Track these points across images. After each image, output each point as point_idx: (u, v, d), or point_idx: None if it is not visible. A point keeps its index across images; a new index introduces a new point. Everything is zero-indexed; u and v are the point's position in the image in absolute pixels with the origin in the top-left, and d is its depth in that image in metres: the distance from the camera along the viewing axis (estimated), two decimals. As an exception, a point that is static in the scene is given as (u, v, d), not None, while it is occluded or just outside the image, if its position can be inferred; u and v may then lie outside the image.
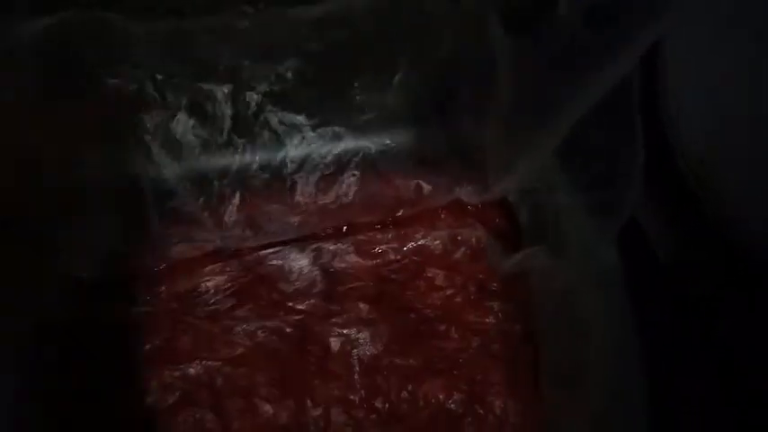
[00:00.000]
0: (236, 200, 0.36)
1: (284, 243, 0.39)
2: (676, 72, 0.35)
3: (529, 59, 0.33)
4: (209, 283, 0.38)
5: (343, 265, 0.39)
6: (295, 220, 0.38)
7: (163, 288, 0.38)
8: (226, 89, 0.35)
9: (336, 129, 0.36)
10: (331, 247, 0.39)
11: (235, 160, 0.35)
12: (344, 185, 0.37)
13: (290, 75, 0.35)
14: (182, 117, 0.34)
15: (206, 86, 0.34)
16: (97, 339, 0.37)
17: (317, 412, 0.37)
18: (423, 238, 0.40)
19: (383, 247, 0.40)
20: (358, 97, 0.36)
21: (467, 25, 0.34)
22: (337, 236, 0.40)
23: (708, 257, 0.36)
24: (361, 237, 0.40)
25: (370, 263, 0.40)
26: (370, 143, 0.37)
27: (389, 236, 0.40)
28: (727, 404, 0.36)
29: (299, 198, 0.36)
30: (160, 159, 0.35)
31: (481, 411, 0.37)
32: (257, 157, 0.36)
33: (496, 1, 0.33)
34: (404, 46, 0.35)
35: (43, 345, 0.35)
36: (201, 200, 0.36)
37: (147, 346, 0.37)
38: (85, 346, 0.37)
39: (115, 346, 0.37)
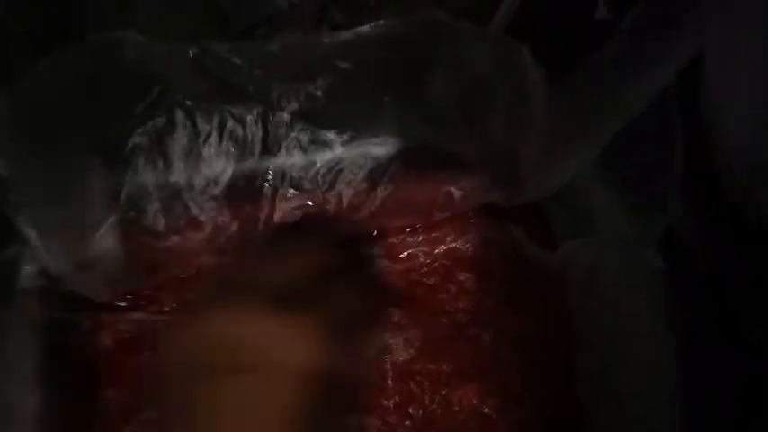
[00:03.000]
0: (268, 217, 0.36)
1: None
2: (718, 79, 0.35)
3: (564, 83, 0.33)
4: (237, 290, 0.38)
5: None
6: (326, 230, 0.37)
7: (191, 295, 0.37)
8: (255, 111, 0.34)
9: (367, 142, 0.36)
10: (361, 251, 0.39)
11: (266, 179, 0.35)
12: (378, 198, 0.36)
13: (319, 93, 0.35)
14: (213, 140, 0.34)
15: (236, 110, 0.34)
16: (128, 350, 0.37)
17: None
18: (453, 241, 0.39)
19: (413, 250, 0.39)
20: (388, 111, 0.36)
21: (498, 49, 0.34)
22: (367, 240, 0.39)
23: (747, 267, 0.36)
24: (391, 240, 0.39)
25: (400, 267, 0.39)
26: (401, 154, 0.37)
27: (419, 239, 0.40)
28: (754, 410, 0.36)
29: (332, 210, 0.36)
30: (189, 179, 0.35)
31: (517, 414, 0.37)
32: (289, 176, 0.35)
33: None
34: (434, 62, 0.35)
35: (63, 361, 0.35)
36: (231, 217, 0.35)
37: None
38: (117, 357, 0.36)
39: (143, 357, 0.36)
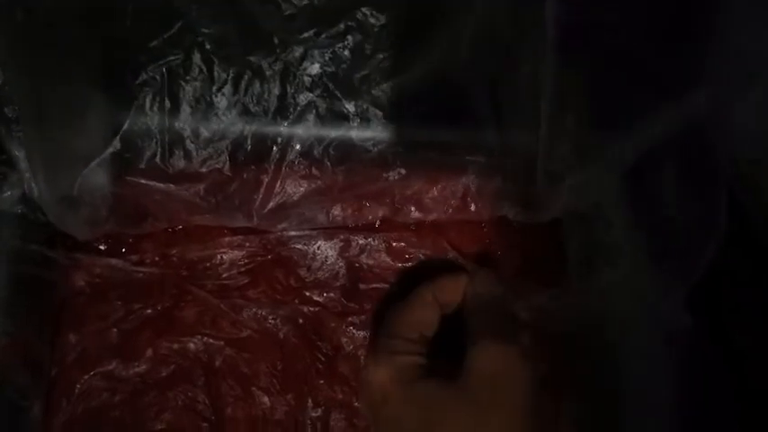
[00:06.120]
0: (272, 182, 0.33)
1: (312, 228, 0.36)
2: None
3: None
4: (224, 256, 0.36)
5: (370, 261, 0.36)
6: (330, 208, 0.35)
7: (174, 251, 0.35)
8: (277, 66, 0.32)
9: (386, 120, 0.33)
10: (360, 241, 0.36)
11: (276, 141, 0.33)
12: (389, 180, 0.34)
13: (347, 53, 0.32)
14: (227, 90, 0.32)
15: (256, 61, 0.32)
16: (99, 296, 0.35)
17: (317, 413, 0.34)
18: (455, 249, 0.37)
19: (415, 250, 0.37)
20: (412, 87, 0.33)
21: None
22: (369, 230, 0.36)
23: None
24: (393, 234, 0.37)
25: (398, 265, 0.37)
26: (418, 138, 0.34)
27: (425, 240, 0.37)
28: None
29: (338, 187, 0.34)
30: (195, 127, 0.33)
31: None
32: (299, 142, 0.33)
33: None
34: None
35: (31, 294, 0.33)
36: (232, 175, 0.33)
37: (148, 311, 0.35)
38: (85, 301, 0.34)
39: (113, 306, 0.35)
